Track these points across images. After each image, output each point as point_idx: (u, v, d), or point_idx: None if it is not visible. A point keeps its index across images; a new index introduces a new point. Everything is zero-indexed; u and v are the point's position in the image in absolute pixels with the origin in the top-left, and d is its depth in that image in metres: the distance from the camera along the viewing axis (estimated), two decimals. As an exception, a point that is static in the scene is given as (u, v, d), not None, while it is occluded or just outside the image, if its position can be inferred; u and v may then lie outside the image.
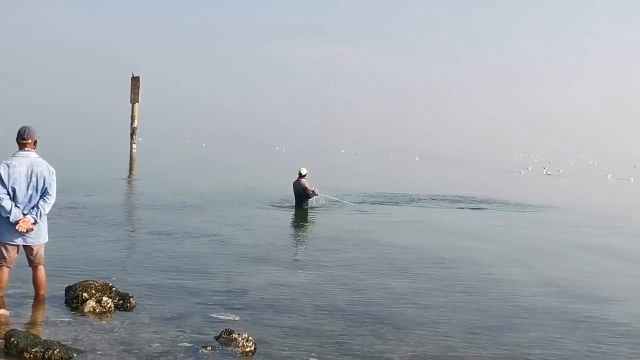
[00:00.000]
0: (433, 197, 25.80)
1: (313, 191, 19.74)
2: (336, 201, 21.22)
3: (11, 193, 7.58)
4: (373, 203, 22.90)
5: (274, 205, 20.29)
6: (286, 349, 6.90)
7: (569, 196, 32.15)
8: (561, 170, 58.30)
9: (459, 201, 25.09)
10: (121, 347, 6.58)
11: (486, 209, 22.94)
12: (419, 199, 25.03)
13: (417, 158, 68.45)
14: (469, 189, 30.62)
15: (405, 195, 26.07)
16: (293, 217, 18.67)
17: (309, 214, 19.05)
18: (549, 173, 53.70)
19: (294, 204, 19.99)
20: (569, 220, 20.97)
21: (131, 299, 8.07)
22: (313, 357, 6.69)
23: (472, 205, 23.66)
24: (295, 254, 13.22)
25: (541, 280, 11.32)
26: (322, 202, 20.56)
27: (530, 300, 9.81)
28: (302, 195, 19.73)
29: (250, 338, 6.79)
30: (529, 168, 59.85)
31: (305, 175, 19.82)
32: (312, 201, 20.07)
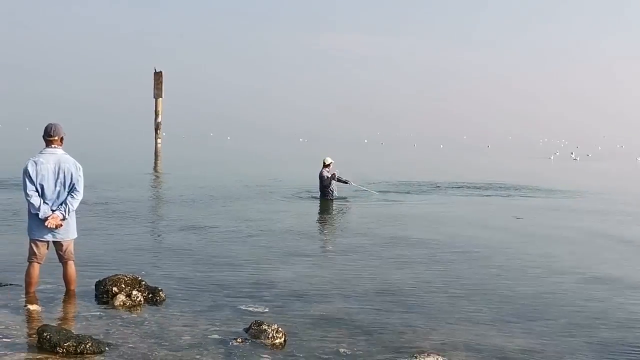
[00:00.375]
0: (463, 185, 25.66)
1: (334, 175, 19.59)
2: (363, 190, 21.14)
3: (39, 190, 7.64)
4: (399, 192, 22.82)
5: (299, 197, 20.31)
6: (316, 339, 6.89)
7: (601, 181, 31.78)
8: (590, 155, 57.62)
9: (489, 188, 24.95)
10: (152, 340, 6.61)
11: (517, 196, 22.74)
12: (446, 187, 24.92)
13: (441, 146, 68.01)
14: (501, 176, 30.42)
15: (431, 184, 25.95)
16: (319, 208, 18.64)
17: (335, 205, 19.01)
18: (577, 158, 53.10)
19: (318, 196, 19.96)
20: (603, 207, 20.70)
21: (160, 293, 8.11)
22: (343, 347, 6.68)
23: (502, 193, 23.50)
24: (322, 245, 13.21)
25: (572, 268, 11.19)
26: (359, 187, 20.49)
27: (561, 288, 9.70)
28: (327, 184, 19.61)
29: (279, 329, 6.79)
30: (557, 153, 59.18)
31: (329, 165, 19.73)
32: (337, 190, 19.90)
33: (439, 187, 24.95)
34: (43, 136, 7.82)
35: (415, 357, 6.26)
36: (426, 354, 6.36)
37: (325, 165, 19.72)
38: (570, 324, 7.84)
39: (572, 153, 58.92)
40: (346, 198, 20.10)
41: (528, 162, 47.76)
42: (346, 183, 20.28)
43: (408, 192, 22.99)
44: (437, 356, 6.34)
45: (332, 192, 19.73)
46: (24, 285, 8.02)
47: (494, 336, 7.25)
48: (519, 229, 15.57)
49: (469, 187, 25.24)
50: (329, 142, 66.31)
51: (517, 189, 24.90)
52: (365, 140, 75.97)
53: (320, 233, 14.97)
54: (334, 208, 18.51)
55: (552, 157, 53.57)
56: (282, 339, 6.72)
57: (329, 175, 19.57)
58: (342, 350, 6.59)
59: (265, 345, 6.59)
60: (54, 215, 7.64)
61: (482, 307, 8.42)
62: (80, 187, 7.79)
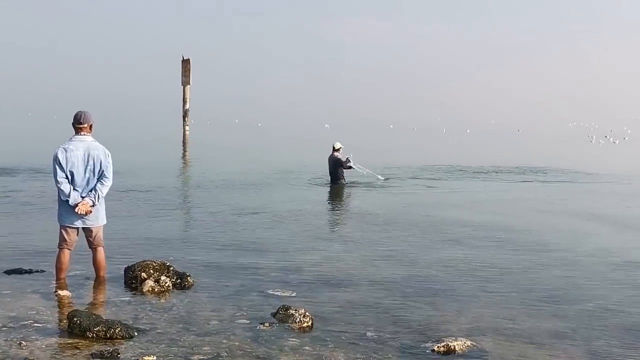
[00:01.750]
0: (513, 171, 25.46)
1: (347, 160, 19.33)
2: (371, 174, 20.72)
3: (69, 177, 7.73)
4: (428, 178, 22.69)
5: (324, 182, 20.25)
6: (343, 323, 6.90)
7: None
8: (626, 138, 56.75)
9: (532, 172, 24.82)
10: (180, 325, 6.67)
11: (583, 181, 22.41)
12: (487, 171, 24.82)
13: (468, 130, 67.49)
14: (547, 161, 30.17)
15: (467, 169, 25.81)
16: (331, 193, 18.51)
17: (358, 190, 18.89)
18: (616, 141, 52.30)
19: (329, 181, 19.64)
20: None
21: (188, 278, 8.17)
22: (370, 331, 6.68)
23: (560, 178, 23.22)
24: (348, 230, 13.19)
25: (601, 250, 11.07)
26: (364, 171, 20.18)
27: (589, 270, 9.62)
28: (337, 169, 19.32)
29: (307, 313, 6.81)
30: (594, 136, 58.29)
31: (339, 150, 19.42)
32: (348, 174, 19.62)
33: (498, 172, 24.81)
34: (72, 124, 7.89)
35: (443, 342, 6.25)
36: (454, 338, 6.34)
37: (335, 150, 19.40)
38: (601, 308, 7.76)
39: (606, 136, 58.10)
40: (369, 184, 19.90)
41: (570, 145, 47.24)
42: (351, 168, 19.77)
43: (438, 179, 22.85)
44: (465, 340, 6.32)
45: (345, 177, 19.46)
46: (54, 271, 8.13)
47: (522, 320, 7.21)
48: (549, 211, 15.43)
49: (524, 172, 25.03)
50: (354, 128, 66.05)
51: (576, 173, 24.65)
52: (391, 126, 75.48)
53: (345, 218, 14.95)
54: (357, 194, 18.44)
55: (592, 140, 52.90)
56: (309, 323, 6.74)
57: (344, 161, 19.25)
58: (369, 334, 6.60)
59: (293, 329, 6.62)
60: (84, 202, 7.72)
61: (511, 290, 8.37)
62: (109, 173, 7.86)
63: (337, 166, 19.37)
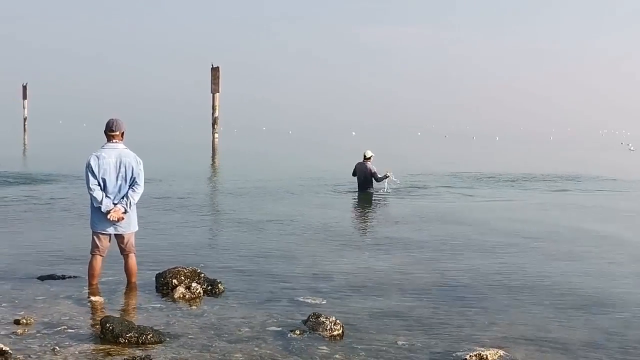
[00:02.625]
0: (546, 179, 25.27)
1: (385, 176, 19.08)
2: (398, 183, 20.04)
3: (101, 184, 7.80)
4: (460, 187, 22.54)
5: (350, 190, 20.15)
6: (374, 332, 6.86)
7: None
8: None
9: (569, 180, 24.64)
10: (212, 332, 6.69)
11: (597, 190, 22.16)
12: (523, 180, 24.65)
13: (497, 138, 66.99)
14: (592, 168, 29.88)
15: (498, 176, 25.63)
16: (363, 201, 18.37)
17: (387, 198, 18.78)
18: None
19: (357, 188, 19.35)
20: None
21: (219, 285, 8.19)
22: (401, 339, 6.64)
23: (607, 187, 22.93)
24: (377, 237, 13.14)
25: (637, 259, 10.91)
26: (387, 189, 19.46)
27: (624, 280, 9.47)
28: (368, 179, 19.04)
29: (337, 321, 6.79)
30: (630, 144, 57.56)
31: (370, 158, 19.08)
32: (378, 185, 19.35)
33: (529, 180, 24.61)
34: (105, 131, 7.98)
35: (476, 351, 6.19)
36: (486, 348, 6.28)
37: (367, 159, 19.08)
38: (636, 317, 7.64)
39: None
40: (396, 192, 19.72)
41: (610, 154, 46.72)
42: (380, 180, 19.27)
43: (470, 187, 22.70)
44: (497, 350, 6.26)
45: (374, 186, 19.17)
46: (86, 277, 8.21)
47: (555, 329, 7.11)
48: (585, 219, 15.25)
49: (558, 180, 24.82)
50: (380, 135, 65.92)
51: (614, 180, 24.38)
52: (419, 133, 75.19)
53: (374, 226, 14.89)
54: (386, 201, 18.35)
55: (632, 148, 52.30)
56: (340, 331, 6.72)
57: (382, 175, 19.06)
58: (400, 342, 6.56)
59: (324, 337, 6.60)
60: (116, 209, 7.79)
61: (543, 299, 8.27)
62: (141, 180, 7.93)
63: (368, 177, 19.08)
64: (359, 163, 19.34)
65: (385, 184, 19.50)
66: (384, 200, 18.27)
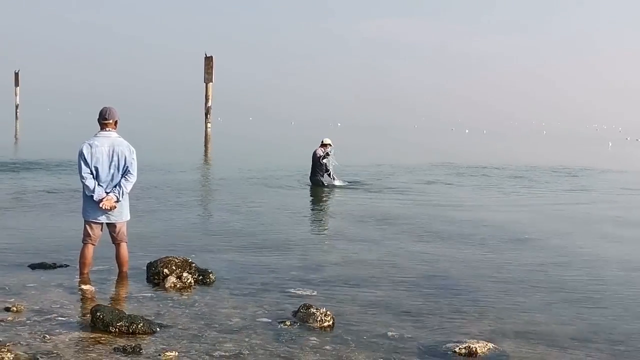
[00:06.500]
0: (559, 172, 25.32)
1: (327, 154, 18.40)
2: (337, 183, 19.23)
3: (94, 172, 7.79)
4: (450, 180, 22.60)
5: (342, 183, 20.12)
6: (364, 323, 6.89)
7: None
8: None
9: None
10: (202, 322, 6.70)
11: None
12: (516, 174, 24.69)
13: (484, 131, 67.03)
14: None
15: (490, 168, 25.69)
16: (353, 194, 18.41)
17: (377, 192, 18.75)
18: None
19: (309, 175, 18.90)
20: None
21: (210, 275, 8.20)
22: (391, 331, 6.67)
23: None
24: (368, 230, 13.16)
25: (625, 255, 10.97)
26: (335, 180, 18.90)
27: (613, 275, 9.52)
28: (316, 164, 18.51)
29: (328, 312, 6.81)
30: (628, 139, 57.83)
31: (326, 145, 18.58)
32: (328, 180, 18.74)
33: (525, 173, 24.66)
34: (98, 119, 7.96)
35: (465, 343, 6.23)
36: (475, 340, 6.32)
37: (322, 145, 18.62)
38: (626, 312, 7.69)
39: (637, 139, 57.79)
40: (390, 187, 19.78)
41: (622, 148, 46.98)
42: (327, 171, 18.74)
43: (460, 175, 22.75)
44: (486, 343, 6.29)
45: (324, 175, 18.61)
46: (78, 266, 8.20)
47: (544, 323, 7.15)
48: (572, 214, 15.31)
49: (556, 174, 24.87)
50: (366, 130, 65.93)
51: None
52: (415, 126, 75.28)
53: (366, 218, 14.90)
54: (376, 195, 18.32)
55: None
56: (330, 322, 6.74)
57: (322, 154, 18.45)
58: (390, 333, 6.59)
59: (314, 328, 6.62)
60: (108, 198, 7.79)
61: (533, 293, 8.31)
62: (134, 170, 7.92)
63: (316, 162, 18.54)
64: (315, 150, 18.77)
65: (335, 180, 19.00)
66: (373, 195, 18.23)
